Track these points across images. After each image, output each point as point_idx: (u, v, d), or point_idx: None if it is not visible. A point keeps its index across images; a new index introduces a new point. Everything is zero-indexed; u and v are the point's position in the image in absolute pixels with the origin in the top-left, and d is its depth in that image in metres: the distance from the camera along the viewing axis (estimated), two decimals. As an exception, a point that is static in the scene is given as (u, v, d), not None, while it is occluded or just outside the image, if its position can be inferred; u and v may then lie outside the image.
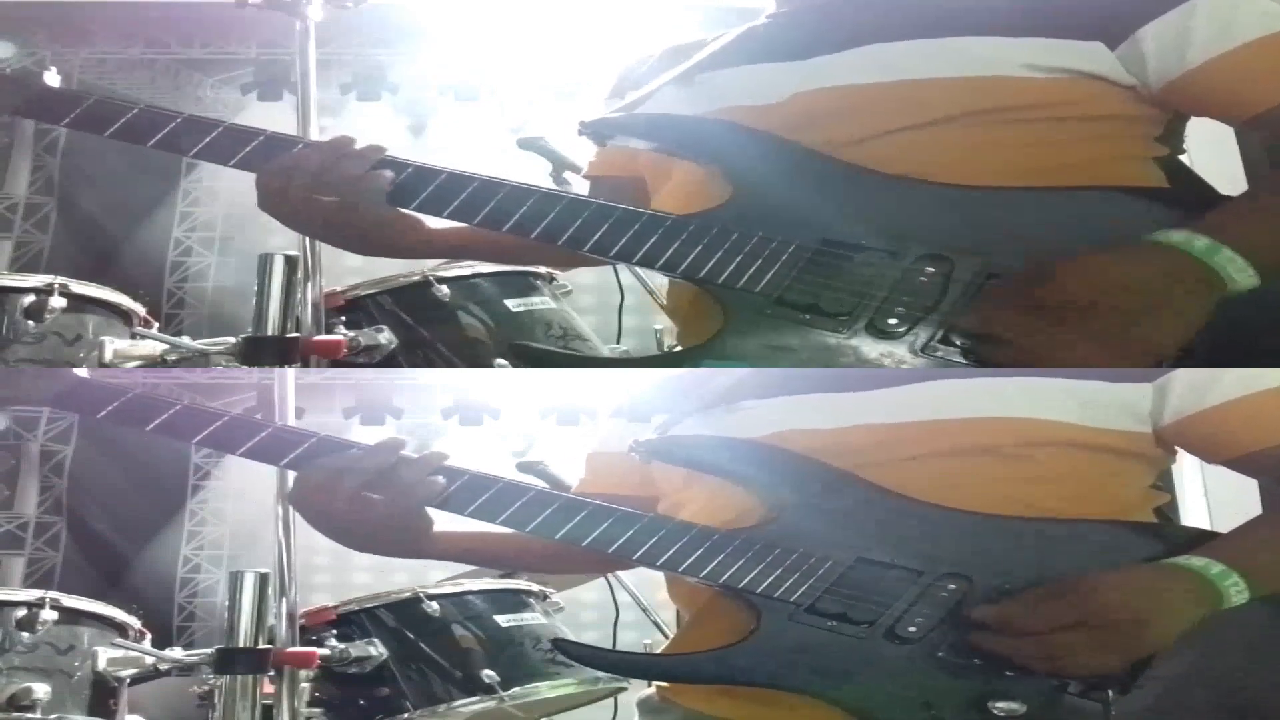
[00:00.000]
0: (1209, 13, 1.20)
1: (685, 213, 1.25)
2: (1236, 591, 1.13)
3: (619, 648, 2.42)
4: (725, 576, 1.21)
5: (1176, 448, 1.28)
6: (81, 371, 1.45)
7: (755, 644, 1.18)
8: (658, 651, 1.56)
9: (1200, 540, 1.19)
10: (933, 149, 1.23)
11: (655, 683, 1.37)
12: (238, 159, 1.34)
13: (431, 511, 1.33)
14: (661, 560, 1.24)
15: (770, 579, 1.20)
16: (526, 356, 1.37)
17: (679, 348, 1.38)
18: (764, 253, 1.19)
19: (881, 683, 1.14)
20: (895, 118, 1.24)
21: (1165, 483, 1.33)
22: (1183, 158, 1.30)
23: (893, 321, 1.14)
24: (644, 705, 1.36)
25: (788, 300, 1.17)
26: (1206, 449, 1.27)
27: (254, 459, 1.37)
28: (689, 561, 1.23)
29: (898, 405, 1.25)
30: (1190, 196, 1.19)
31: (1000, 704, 1.10)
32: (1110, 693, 1.10)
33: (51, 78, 1.47)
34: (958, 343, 1.12)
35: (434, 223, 1.39)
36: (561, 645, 1.34)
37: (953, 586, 1.17)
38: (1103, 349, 1.07)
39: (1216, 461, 1.29)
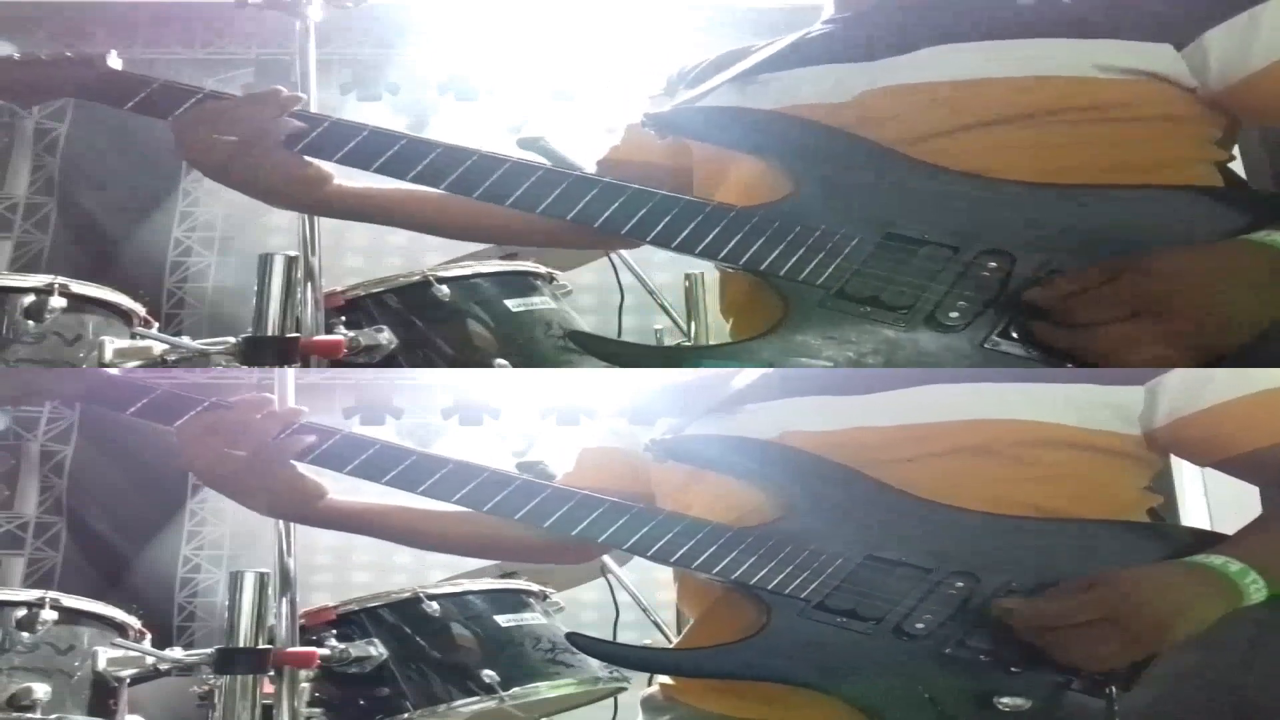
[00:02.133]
0: (1274, 18, 1.21)
1: (755, 204, 1.25)
2: (1255, 589, 1.14)
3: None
4: (737, 573, 1.23)
5: (1168, 450, 1.29)
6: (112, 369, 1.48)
7: (765, 640, 1.20)
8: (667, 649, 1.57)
9: (1202, 540, 1.20)
10: (1000, 147, 1.24)
11: (658, 680, 1.38)
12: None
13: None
14: (675, 557, 1.26)
15: (781, 576, 1.22)
16: (587, 345, 1.38)
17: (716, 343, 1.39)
18: (826, 246, 1.21)
19: (888, 678, 1.16)
20: (963, 116, 1.25)
21: (1162, 484, 1.34)
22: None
23: (954, 315, 1.16)
24: (647, 703, 1.37)
25: (848, 293, 1.19)
26: (1198, 451, 1.28)
27: (147, 419, 1.42)
28: (702, 558, 1.25)
29: (897, 408, 1.26)
30: (1251, 199, 1.21)
31: (1005, 699, 1.12)
32: (1113, 689, 1.11)
33: (114, 60, 1.48)
34: (1016, 335, 1.14)
35: (363, 183, 1.43)
36: (576, 639, 1.36)
37: (960, 584, 1.18)
38: (1173, 347, 1.08)
39: (1208, 463, 1.30)
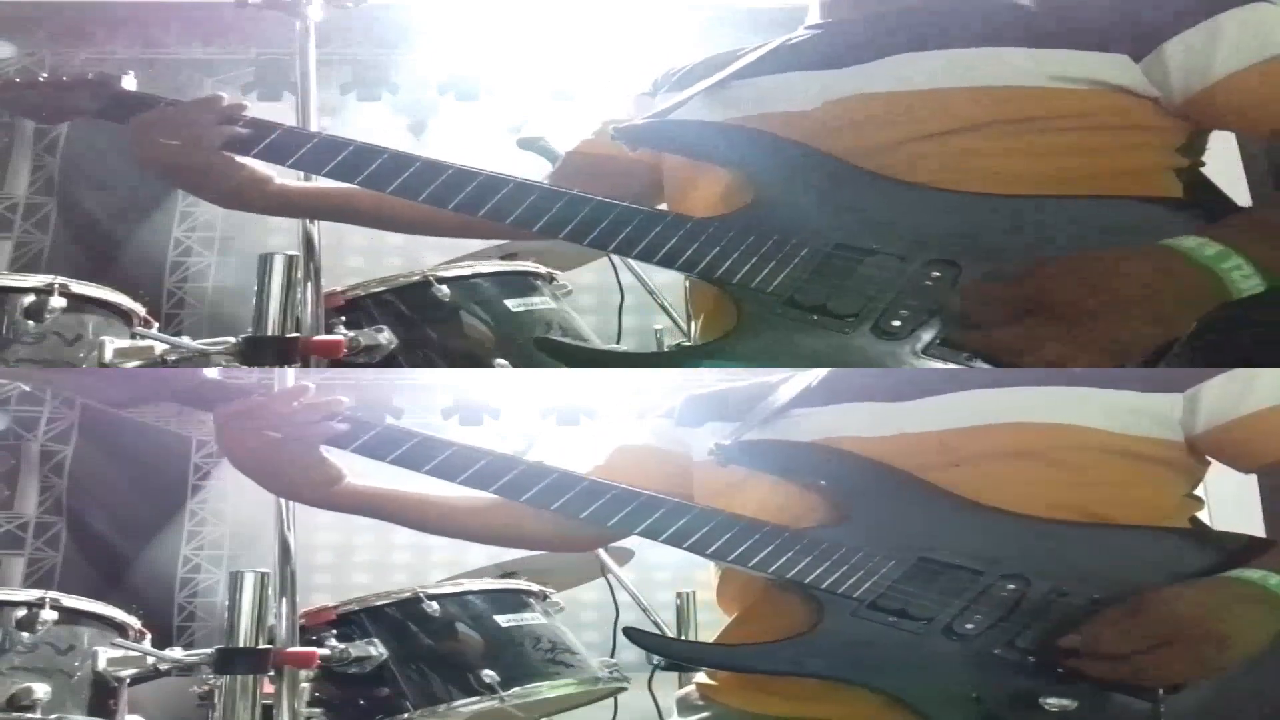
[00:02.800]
0: (1235, 29, 1.22)
1: (711, 215, 1.29)
2: None
3: (620, 648, 2.42)
4: (793, 572, 1.27)
5: (1209, 457, 1.30)
6: (212, 372, 1.52)
7: (819, 638, 1.23)
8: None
9: (1251, 547, 1.21)
10: (957, 157, 1.25)
11: (695, 680, 1.41)
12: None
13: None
14: (733, 555, 1.30)
15: (835, 576, 1.25)
16: (549, 350, 1.42)
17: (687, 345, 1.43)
18: (778, 255, 1.24)
19: (938, 677, 1.19)
20: (922, 125, 1.27)
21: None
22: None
23: (896, 324, 1.17)
24: (683, 703, 1.40)
25: (798, 301, 1.21)
26: (1240, 456, 1.30)
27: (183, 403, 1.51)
28: (758, 557, 1.29)
29: (942, 413, 1.30)
30: (1207, 207, 1.21)
31: (1052, 700, 1.14)
32: (1160, 691, 1.12)
33: (129, 81, 1.55)
34: (952, 343, 1.15)
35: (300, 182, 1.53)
36: (632, 634, 1.38)
37: (1011, 587, 1.21)
38: (1072, 347, 1.09)
39: (1250, 469, 1.31)
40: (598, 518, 1.35)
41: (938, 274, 1.18)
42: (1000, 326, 1.10)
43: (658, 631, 2.69)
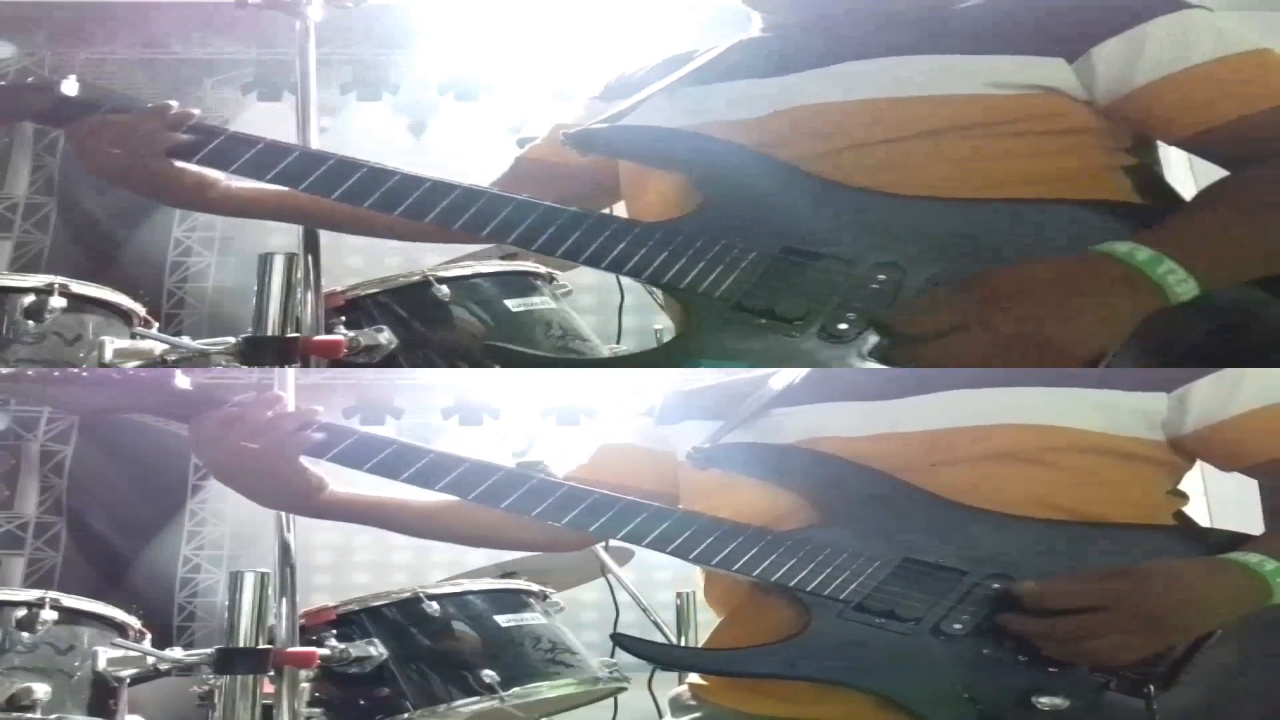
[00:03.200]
0: (1159, 37, 1.23)
1: (660, 220, 1.29)
2: None
3: (654, 641, 2.42)
4: (777, 575, 1.25)
5: (1196, 457, 1.30)
6: (183, 381, 1.52)
7: (807, 641, 1.22)
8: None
9: (1235, 542, 1.21)
10: (900, 164, 1.26)
11: (688, 680, 1.41)
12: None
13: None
14: (716, 560, 1.28)
15: (820, 578, 1.24)
16: (500, 357, 1.45)
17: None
18: (725, 259, 1.24)
19: (928, 678, 1.18)
20: (863, 134, 1.29)
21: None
22: (1160, 166, 1.33)
23: (843, 326, 1.18)
24: (675, 702, 1.39)
25: (746, 305, 1.21)
26: (1227, 457, 1.30)
27: (162, 415, 1.55)
28: (742, 561, 1.27)
29: (924, 413, 1.29)
30: (1154, 209, 1.22)
31: (1044, 699, 1.13)
32: (1151, 688, 1.12)
33: (69, 85, 1.55)
34: (879, 354, 1.15)
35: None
36: (621, 640, 1.37)
37: (997, 586, 1.20)
38: (1009, 355, 1.09)
39: (1237, 469, 1.31)
40: (578, 524, 1.34)
41: (884, 277, 1.19)
42: (931, 340, 1.11)
43: (657, 631, 2.69)
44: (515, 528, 1.48)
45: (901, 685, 1.17)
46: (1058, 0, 1.30)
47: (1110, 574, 1.16)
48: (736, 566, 1.27)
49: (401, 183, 1.36)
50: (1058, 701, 1.13)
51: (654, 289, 2.07)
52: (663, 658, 1.47)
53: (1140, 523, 1.25)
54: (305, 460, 1.45)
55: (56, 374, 1.60)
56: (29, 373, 1.67)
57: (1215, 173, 1.23)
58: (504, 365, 1.39)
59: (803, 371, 1.39)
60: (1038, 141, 1.26)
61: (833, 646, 1.21)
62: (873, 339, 1.15)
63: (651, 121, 1.40)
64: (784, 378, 1.40)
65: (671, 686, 1.46)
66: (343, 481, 1.49)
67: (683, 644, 2.61)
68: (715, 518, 1.32)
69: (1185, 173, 1.40)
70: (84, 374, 1.58)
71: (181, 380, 1.51)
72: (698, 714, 1.35)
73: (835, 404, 1.34)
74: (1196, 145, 1.25)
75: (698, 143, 1.34)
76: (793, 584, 1.24)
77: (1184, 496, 1.31)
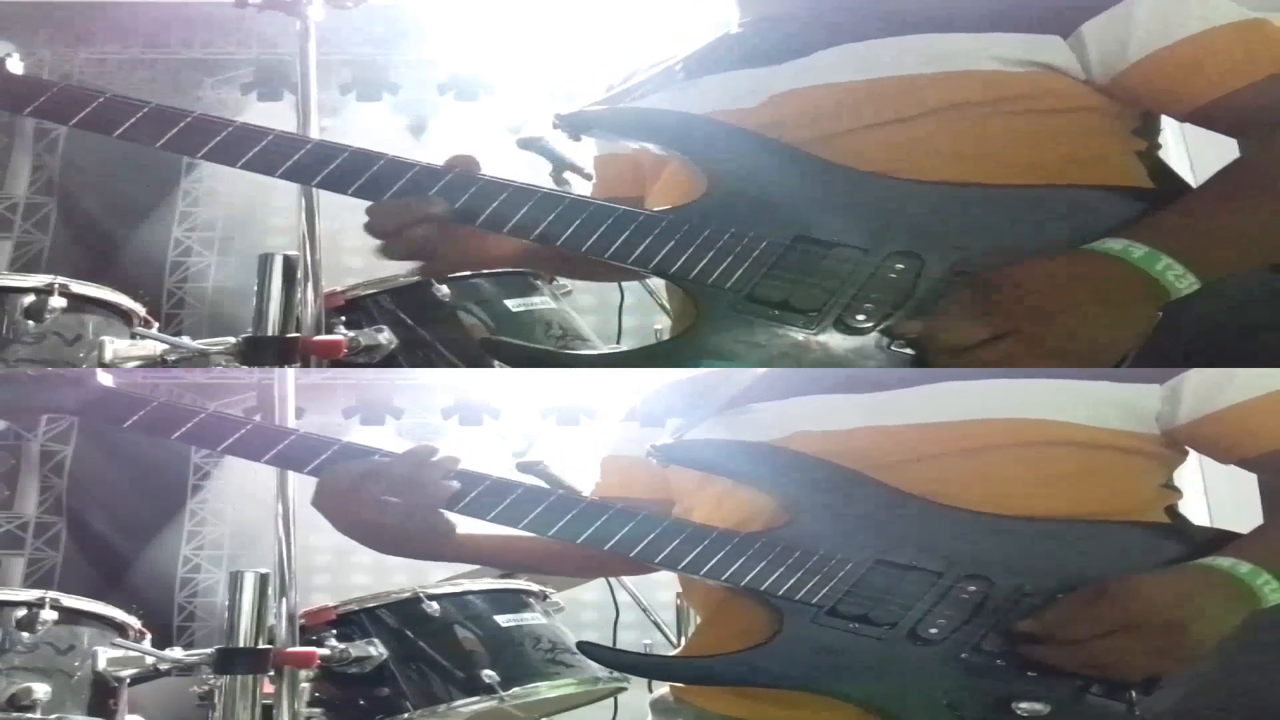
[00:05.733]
0: (1148, 10, 1.21)
1: (665, 207, 1.25)
2: (1271, 590, 1.14)
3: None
4: (747, 579, 1.22)
5: (1188, 449, 1.29)
6: (106, 378, 1.45)
7: (779, 646, 1.20)
8: (673, 652, 1.56)
9: (1220, 540, 1.19)
10: (908, 145, 1.23)
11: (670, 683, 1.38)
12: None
13: (455, 515, 1.35)
14: (684, 563, 1.25)
15: (792, 581, 1.21)
16: (501, 353, 1.39)
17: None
18: (735, 249, 1.20)
19: (906, 684, 1.16)
20: (869, 114, 1.25)
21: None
22: (1161, 152, 1.31)
23: (860, 318, 1.16)
24: (657, 705, 1.37)
25: (758, 296, 1.18)
26: (1220, 449, 1.28)
27: (279, 465, 1.40)
28: (711, 564, 1.24)
29: (906, 407, 1.26)
30: (1164, 194, 1.19)
31: (1024, 705, 1.12)
32: (1133, 693, 1.11)
33: (14, 64, 1.45)
34: (909, 340, 1.14)
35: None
36: (586, 648, 1.36)
37: (973, 588, 1.18)
38: (1033, 355, 1.09)
39: (1230, 461, 1.29)
40: (535, 529, 1.30)
41: (901, 266, 1.16)
42: (971, 341, 1.10)
43: (656, 631, 2.69)
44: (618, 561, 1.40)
45: (879, 692, 1.16)
46: None
47: (1108, 593, 1.14)
48: (704, 570, 1.24)
49: (422, 174, 1.29)
50: (1038, 707, 1.12)
51: (655, 290, 2.04)
52: (626, 665, 1.42)
53: (1129, 519, 1.23)
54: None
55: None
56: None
57: (1214, 159, 1.22)
58: (504, 360, 1.35)
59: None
60: (1049, 120, 1.24)
61: (806, 653, 1.19)
62: (890, 331, 1.14)
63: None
64: (757, 370, 1.34)
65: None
66: (467, 522, 1.40)
67: (682, 644, 2.61)
68: (682, 520, 1.30)
69: (1181, 157, 1.39)
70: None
71: (104, 378, 1.45)
72: (679, 718, 1.33)
73: (818, 397, 1.30)
74: (1201, 118, 1.22)
75: (698, 124, 1.29)
76: (763, 588, 1.21)
77: (1177, 491, 1.29)
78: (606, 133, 1.40)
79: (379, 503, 1.32)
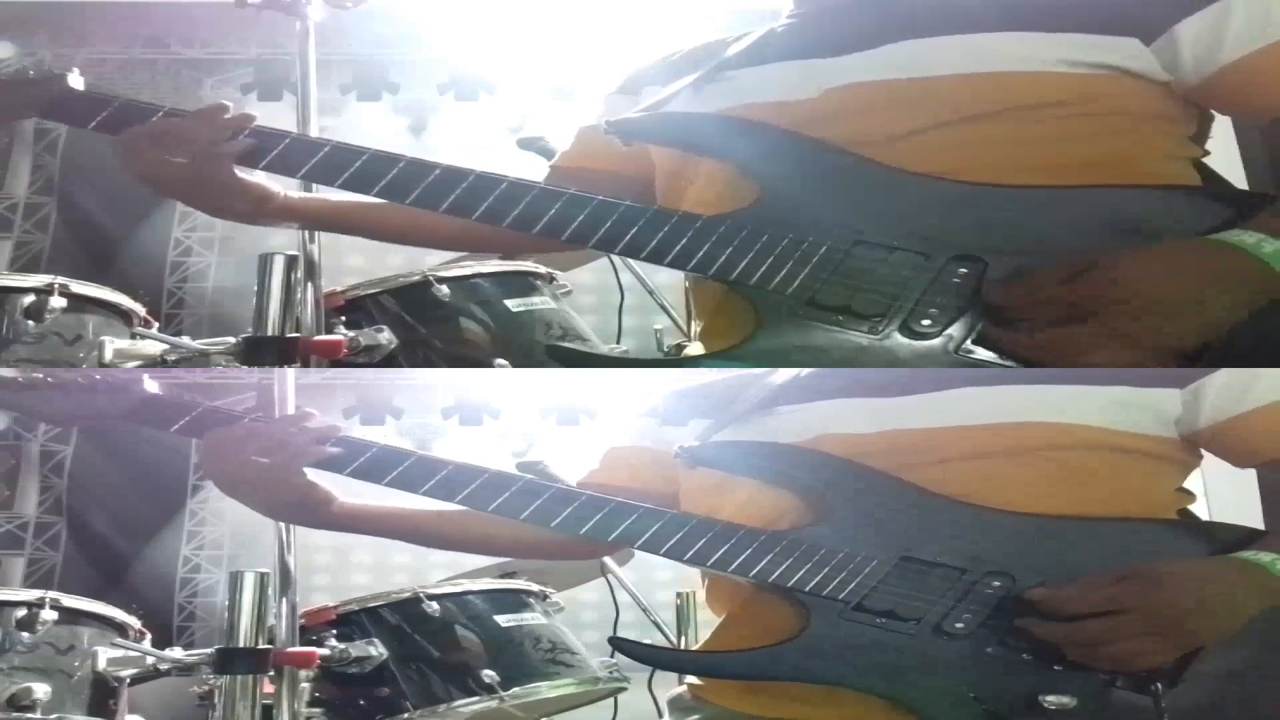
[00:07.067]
0: (1244, 10, 1.20)
1: (714, 213, 1.26)
2: None
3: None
4: (774, 575, 1.24)
5: (1208, 452, 1.29)
6: (151, 384, 1.50)
7: (807, 642, 1.21)
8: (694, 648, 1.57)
9: (1249, 538, 1.20)
10: (967, 146, 1.23)
11: (687, 681, 1.39)
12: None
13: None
14: (712, 560, 1.27)
15: (818, 578, 1.23)
16: (560, 357, 1.41)
17: (695, 345, 1.40)
18: (795, 254, 1.21)
19: (933, 678, 1.17)
20: (928, 114, 1.25)
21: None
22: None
23: (926, 323, 1.16)
24: (675, 703, 1.38)
25: (820, 302, 1.19)
26: (1242, 453, 1.29)
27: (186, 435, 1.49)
28: (738, 561, 1.26)
29: (931, 410, 1.27)
30: (1229, 196, 1.20)
31: (1050, 698, 1.13)
32: (1159, 686, 1.11)
33: (75, 79, 1.49)
34: (990, 341, 1.14)
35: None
36: (619, 644, 1.37)
37: (997, 584, 1.19)
38: (1129, 348, 1.08)
39: (1252, 464, 1.30)
40: (566, 526, 1.32)
41: (964, 270, 1.16)
42: (1047, 327, 1.10)
43: (656, 631, 2.69)
44: (527, 536, 1.46)
45: (905, 686, 1.17)
46: None
47: (1127, 575, 1.15)
48: (733, 567, 1.26)
49: (480, 181, 1.32)
50: (1065, 700, 1.12)
51: (655, 290, 2.06)
52: (657, 660, 1.45)
53: (1146, 518, 1.24)
54: (316, 474, 1.44)
55: (21, 378, 1.57)
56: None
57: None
58: (565, 366, 1.36)
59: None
60: (1111, 123, 1.23)
61: (833, 648, 1.20)
62: (958, 334, 1.14)
63: (690, 109, 1.36)
64: (784, 374, 1.37)
65: (671, 686, 1.45)
66: (350, 493, 1.49)
67: (682, 644, 2.61)
68: (710, 518, 1.31)
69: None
70: (50, 379, 1.55)
71: (150, 385, 1.49)
72: (697, 715, 1.34)
73: (841, 400, 1.32)
74: None
75: (752, 130, 1.29)
76: (790, 584, 1.23)
77: (1190, 494, 1.30)
78: (660, 141, 1.39)
79: (246, 461, 1.40)
